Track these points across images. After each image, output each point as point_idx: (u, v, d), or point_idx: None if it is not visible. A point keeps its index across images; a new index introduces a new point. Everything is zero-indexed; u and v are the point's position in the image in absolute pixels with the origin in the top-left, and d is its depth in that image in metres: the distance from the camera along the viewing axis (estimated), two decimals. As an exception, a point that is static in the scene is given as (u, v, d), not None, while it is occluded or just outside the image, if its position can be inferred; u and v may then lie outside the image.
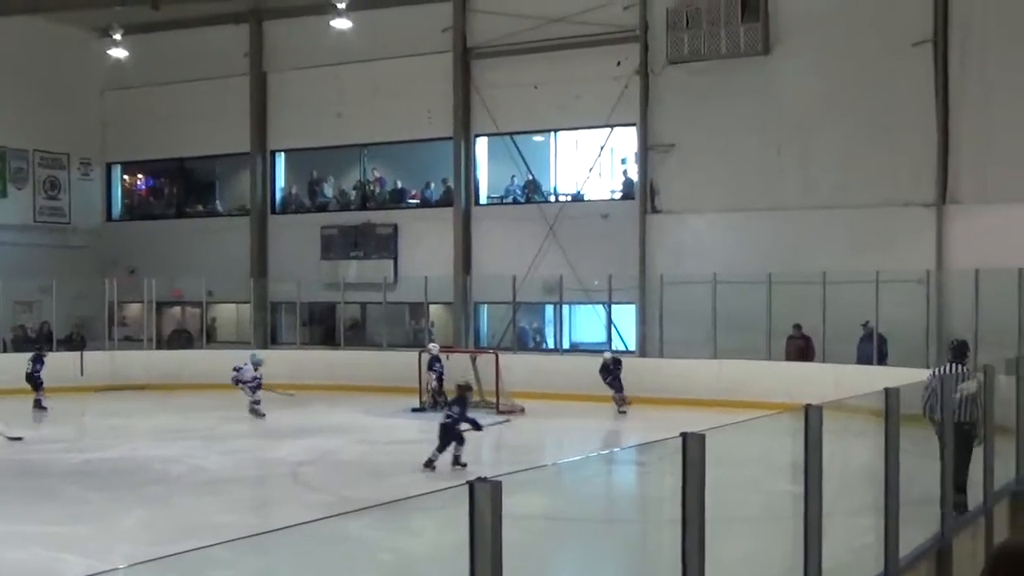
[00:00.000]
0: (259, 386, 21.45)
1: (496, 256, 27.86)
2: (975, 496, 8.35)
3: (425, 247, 28.85)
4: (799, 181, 24.23)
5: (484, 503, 3.08)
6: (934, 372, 10.80)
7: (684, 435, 4.03)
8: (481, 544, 3.12)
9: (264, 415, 21.21)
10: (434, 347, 23.32)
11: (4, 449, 17.64)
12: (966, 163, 22.83)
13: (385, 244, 29.35)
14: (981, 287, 20.62)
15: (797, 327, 22.78)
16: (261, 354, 22.96)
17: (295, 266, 29.64)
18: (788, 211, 24.19)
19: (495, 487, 3.08)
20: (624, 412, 21.83)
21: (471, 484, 3.08)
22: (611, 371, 22.15)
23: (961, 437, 11.23)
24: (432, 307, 28.97)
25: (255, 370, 21.66)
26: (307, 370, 26.17)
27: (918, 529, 7.13)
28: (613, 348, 25.12)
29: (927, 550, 7.08)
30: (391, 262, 29.16)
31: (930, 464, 7.43)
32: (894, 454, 6.29)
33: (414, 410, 22.12)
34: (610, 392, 22.11)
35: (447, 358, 23.45)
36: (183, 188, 33.84)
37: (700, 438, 4.04)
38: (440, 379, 22.41)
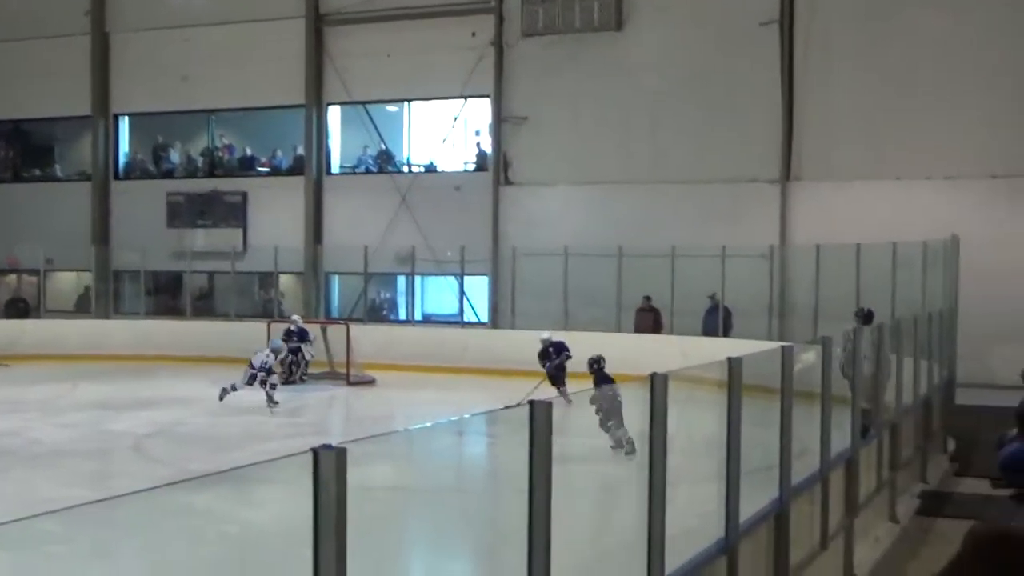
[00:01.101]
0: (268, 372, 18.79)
1: (348, 226, 27.59)
2: (811, 463, 8.62)
3: (275, 216, 28.37)
4: (650, 156, 24.63)
5: (328, 471, 3.02)
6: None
7: (531, 403, 4.03)
8: (325, 513, 3.05)
9: (276, 404, 18.65)
10: (298, 319, 22.66)
11: None
12: (809, 142, 23.56)
13: (234, 213, 28.75)
14: (821, 262, 21.30)
15: (646, 299, 23.17)
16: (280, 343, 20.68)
17: (139, 234, 28.76)
18: (639, 185, 24.59)
19: (340, 454, 3.02)
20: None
21: (315, 451, 3.01)
22: (550, 356, 18.53)
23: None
24: (282, 277, 28.53)
25: (275, 357, 19.37)
26: (153, 340, 25.49)
27: (759, 495, 7.32)
28: (465, 320, 25.21)
29: (766, 515, 7.27)
30: (240, 231, 28.60)
31: (771, 433, 7.61)
32: (736, 422, 6.43)
33: (272, 386, 21.38)
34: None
35: (325, 330, 23.13)
36: (20, 151, 32.46)
37: (546, 406, 4.05)
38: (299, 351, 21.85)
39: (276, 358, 19.50)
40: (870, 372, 10.03)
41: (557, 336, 19.19)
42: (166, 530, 10.25)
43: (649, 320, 23.18)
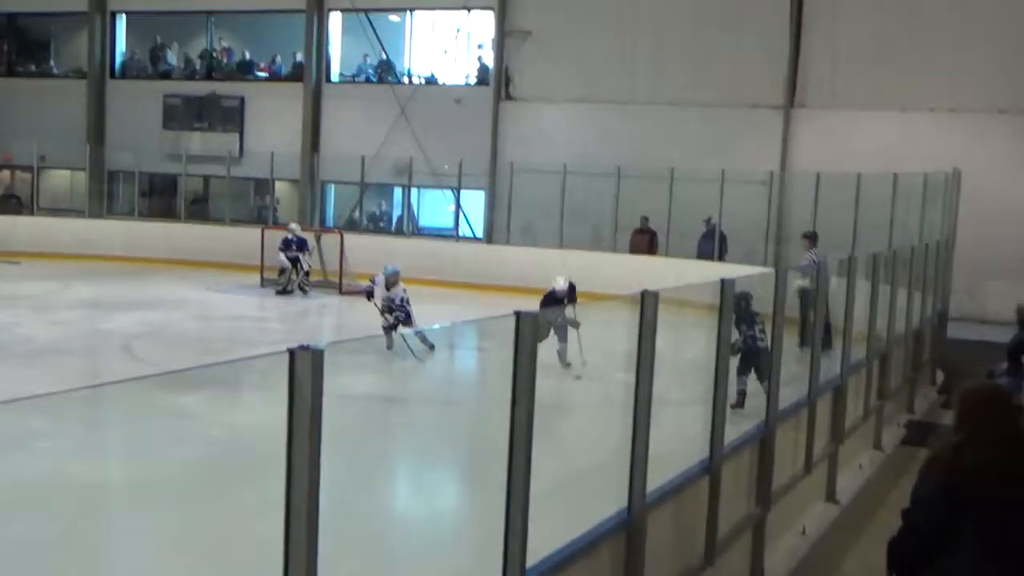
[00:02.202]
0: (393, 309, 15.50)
1: (346, 135, 27.32)
2: (800, 389, 8.61)
3: (272, 122, 28.07)
4: (653, 77, 24.33)
5: (304, 372, 2.95)
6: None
7: (518, 314, 3.96)
8: (300, 414, 2.99)
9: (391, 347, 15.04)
10: (296, 227, 22.36)
11: None
12: (815, 69, 23.26)
13: (231, 117, 28.44)
14: (821, 190, 21.15)
15: (644, 220, 23.05)
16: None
17: (135, 134, 28.47)
18: (640, 105, 24.33)
19: (316, 355, 2.95)
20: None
21: (291, 351, 2.94)
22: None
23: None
24: (278, 184, 28.33)
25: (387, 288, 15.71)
26: (145, 242, 25.37)
27: (746, 420, 7.32)
28: (460, 234, 25.08)
29: (751, 438, 7.26)
30: (236, 136, 28.32)
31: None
32: (725, 345, 6.38)
33: (278, 293, 21.25)
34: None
35: (319, 238, 23.01)
36: (15, 45, 31.96)
37: (533, 317, 3.97)
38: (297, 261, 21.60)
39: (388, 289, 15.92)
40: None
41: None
42: (154, 430, 10.33)
43: (645, 241, 23.08)
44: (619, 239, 23.31)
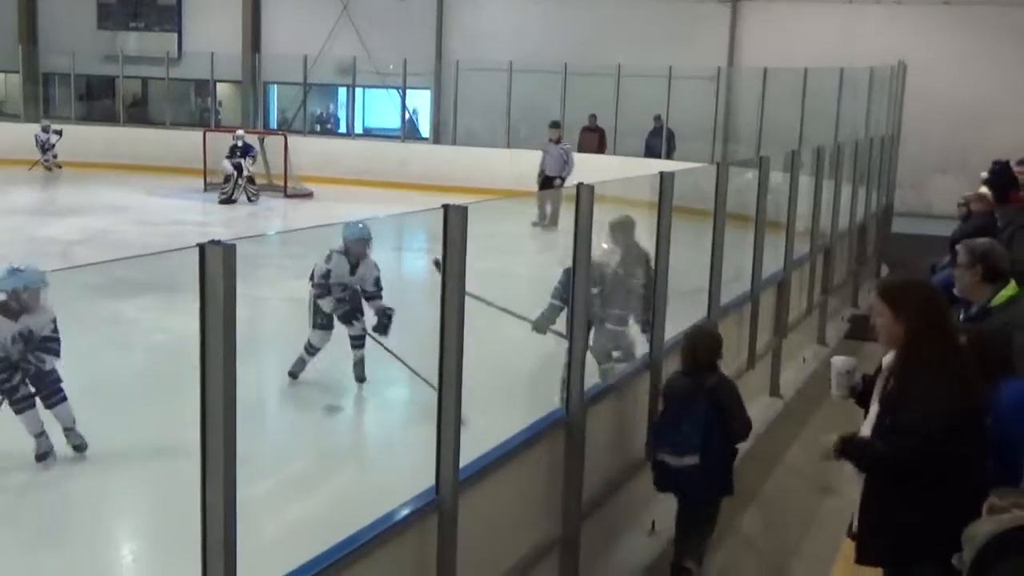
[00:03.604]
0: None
1: (288, 34, 26.76)
2: (744, 285, 8.58)
3: (212, 21, 27.41)
4: (599, -30, 23.95)
5: (215, 267, 2.83)
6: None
7: (445, 207, 3.84)
8: (212, 314, 2.88)
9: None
10: (241, 133, 21.64)
11: None
12: (762, -40, 23.00)
13: (168, 16, 27.72)
14: (768, 85, 21.02)
15: (592, 118, 22.86)
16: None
17: (69, 35, 27.68)
18: (586, 1, 23.96)
19: (228, 250, 2.82)
20: None
21: (201, 247, 2.81)
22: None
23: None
24: (219, 86, 27.74)
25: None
26: (84, 147, 24.76)
27: (692, 315, 7.28)
28: (406, 135, 24.78)
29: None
30: (175, 35, 27.63)
31: (706, 257, 7.53)
32: (665, 239, 6.29)
33: (222, 202, 20.59)
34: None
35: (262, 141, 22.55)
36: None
37: (461, 210, 3.86)
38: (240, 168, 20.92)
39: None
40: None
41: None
42: (97, 338, 10.14)
43: (594, 140, 22.92)
44: (567, 137, 23.11)
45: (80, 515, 6.67)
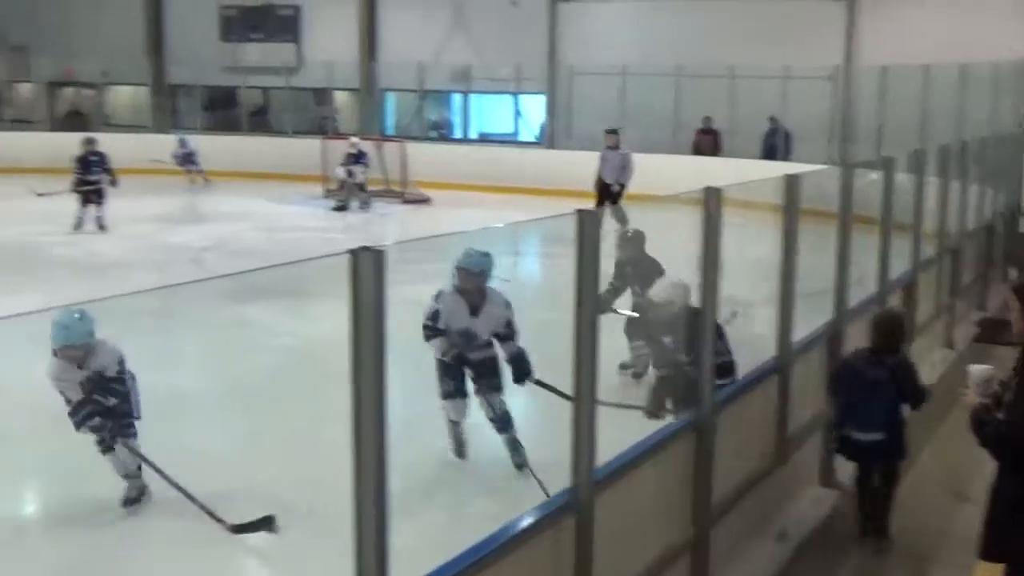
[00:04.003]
0: None
1: (403, 42, 27.12)
2: (869, 289, 8.46)
3: (329, 31, 27.91)
4: (712, -29, 23.78)
5: (367, 272, 2.94)
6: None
7: (579, 212, 3.90)
8: (364, 316, 2.98)
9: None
10: (355, 140, 22.09)
11: None
12: (880, -43, 22.57)
13: (288, 27, 28.33)
14: (888, 84, 20.64)
15: (707, 120, 22.73)
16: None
17: (193, 48, 28.50)
18: (699, 2, 23.80)
19: (378, 255, 2.92)
20: None
21: (353, 252, 2.92)
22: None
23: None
24: (337, 93, 28.28)
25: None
26: (209, 156, 25.46)
27: (814, 319, 7.22)
28: (520, 139, 24.90)
29: (820, 336, 7.18)
30: (293, 46, 28.23)
31: (828, 260, 7.45)
32: (792, 242, 6.27)
33: (335, 209, 21.03)
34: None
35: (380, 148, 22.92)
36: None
37: (594, 215, 3.92)
38: (364, 174, 21.32)
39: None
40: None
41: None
42: (227, 341, 10.45)
43: (708, 142, 22.81)
44: (682, 140, 23.02)
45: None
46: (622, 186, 18.20)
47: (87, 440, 6.51)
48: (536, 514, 4.05)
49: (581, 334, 4.07)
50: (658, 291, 6.97)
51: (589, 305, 4.07)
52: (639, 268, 8.79)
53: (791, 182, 6.11)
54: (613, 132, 18.82)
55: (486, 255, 6.94)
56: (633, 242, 9.13)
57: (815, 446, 7.08)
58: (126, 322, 9.90)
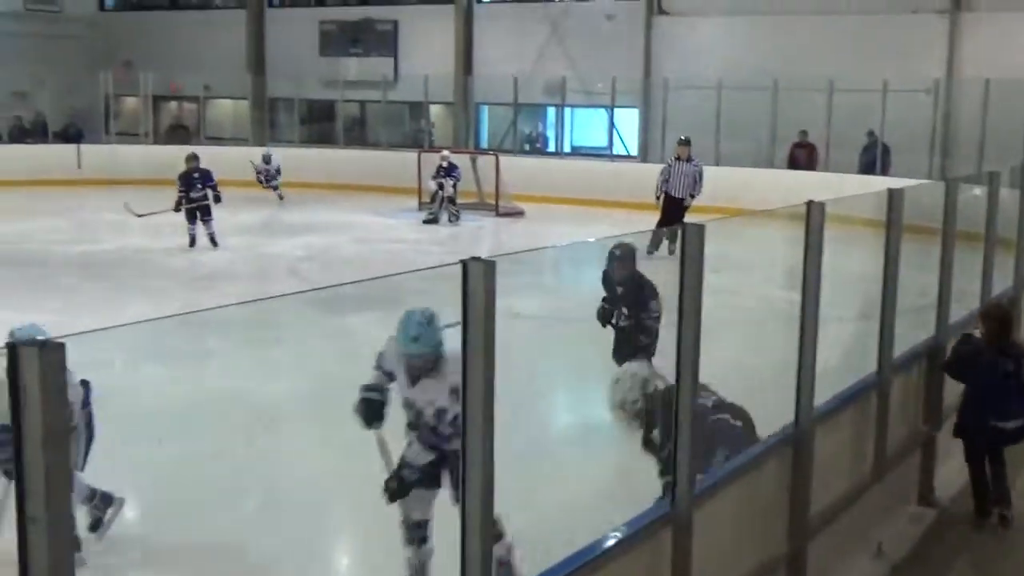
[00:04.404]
0: None
1: (498, 56, 27.32)
2: (970, 305, 8.34)
3: (426, 45, 28.24)
4: (810, -15, 23.58)
5: (477, 281, 3.02)
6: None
7: (684, 225, 3.95)
8: (474, 326, 3.07)
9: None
10: (446, 153, 22.22)
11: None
12: (984, -31, 22.18)
13: (385, 41, 28.72)
14: (990, 97, 20.26)
15: (803, 134, 22.52)
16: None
17: (293, 62, 29.04)
18: (796, 16, 23.60)
19: (488, 266, 3.01)
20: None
21: (464, 263, 3.01)
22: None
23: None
24: (432, 107, 28.58)
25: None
26: (306, 168, 25.93)
27: (912, 335, 7.15)
28: (614, 153, 24.87)
29: (919, 353, 7.11)
30: (391, 60, 28.60)
31: (927, 276, 7.38)
32: (894, 257, 6.22)
33: (426, 221, 21.12)
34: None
35: (474, 160, 23.13)
36: (178, -21, 32.93)
37: (699, 228, 3.96)
38: (455, 187, 21.40)
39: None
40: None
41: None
42: (326, 351, 10.61)
43: (804, 156, 22.59)
44: (777, 154, 22.83)
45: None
46: (692, 198, 17.54)
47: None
48: (634, 526, 4.08)
49: (682, 348, 4.11)
50: (621, 382, 5.22)
51: (692, 319, 4.11)
52: (631, 288, 8.16)
53: (894, 196, 6.07)
54: (686, 143, 18.15)
55: (426, 322, 5.27)
56: (623, 259, 8.24)
57: (913, 464, 7.01)
58: (224, 331, 10.19)
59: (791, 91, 22.29)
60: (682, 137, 18.66)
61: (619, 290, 8.25)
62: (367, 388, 5.68)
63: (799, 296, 5.34)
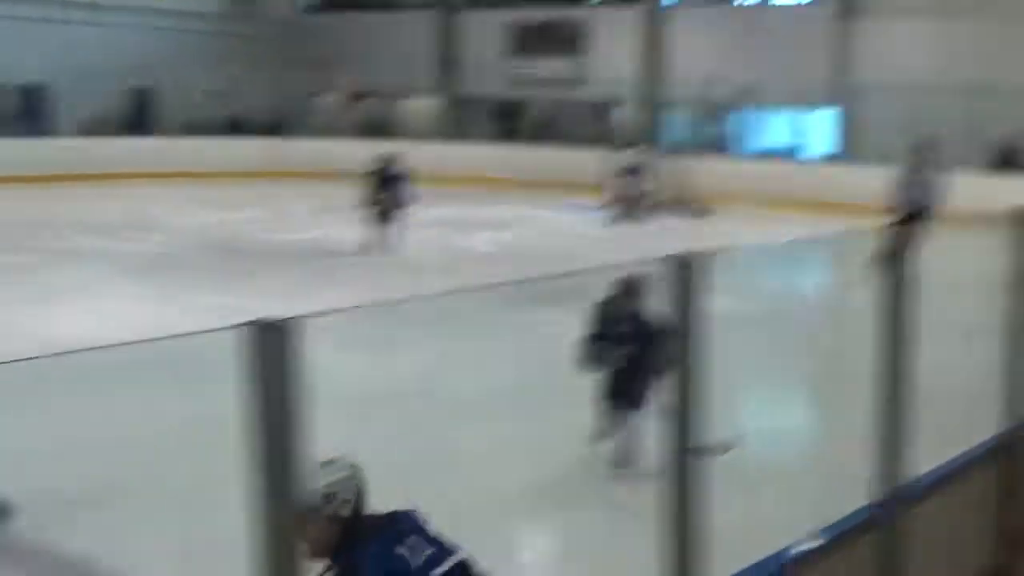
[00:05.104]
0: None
1: (687, 57, 27.06)
2: None
3: (613, 47, 28.23)
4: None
5: (684, 279, 3.03)
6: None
7: (883, 227, 3.86)
8: (685, 320, 3.08)
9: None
10: (631, 153, 22.19)
11: (197, 231, 18.50)
12: None
13: (573, 41, 28.87)
14: None
15: (1006, 137, 21.62)
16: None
17: (483, 61, 29.49)
18: (1002, 16, 22.66)
19: (687, 262, 3.02)
20: None
21: (671, 257, 3.02)
22: None
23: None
24: (619, 107, 28.54)
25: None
26: (494, 165, 26.27)
27: None
28: (805, 155, 24.39)
29: None
30: (579, 60, 28.72)
31: None
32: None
33: (611, 220, 21.04)
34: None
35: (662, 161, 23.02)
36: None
37: (908, 229, 3.86)
38: (641, 187, 21.36)
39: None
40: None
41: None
42: (519, 344, 10.65)
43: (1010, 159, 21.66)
44: (980, 158, 21.97)
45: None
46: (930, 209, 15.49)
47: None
48: (841, 527, 4.02)
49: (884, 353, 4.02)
50: None
51: (901, 320, 4.01)
52: (640, 324, 7.02)
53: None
54: (928, 148, 16.43)
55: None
56: (630, 289, 7.16)
57: None
58: (415, 323, 10.40)
59: (995, 93, 21.44)
60: (924, 139, 17.17)
61: (624, 328, 7.11)
62: None
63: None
